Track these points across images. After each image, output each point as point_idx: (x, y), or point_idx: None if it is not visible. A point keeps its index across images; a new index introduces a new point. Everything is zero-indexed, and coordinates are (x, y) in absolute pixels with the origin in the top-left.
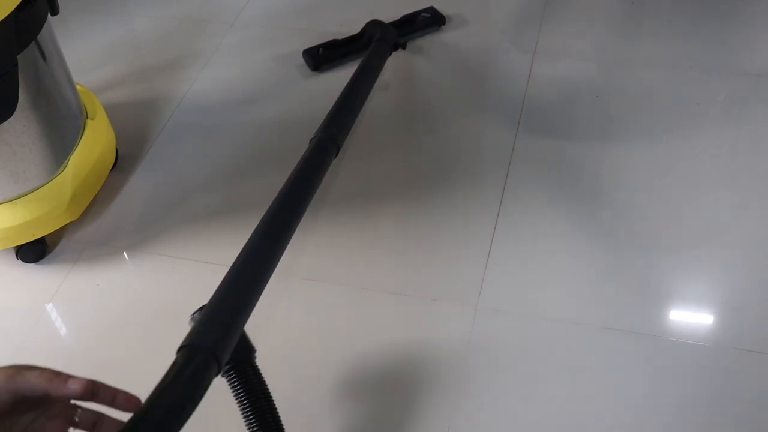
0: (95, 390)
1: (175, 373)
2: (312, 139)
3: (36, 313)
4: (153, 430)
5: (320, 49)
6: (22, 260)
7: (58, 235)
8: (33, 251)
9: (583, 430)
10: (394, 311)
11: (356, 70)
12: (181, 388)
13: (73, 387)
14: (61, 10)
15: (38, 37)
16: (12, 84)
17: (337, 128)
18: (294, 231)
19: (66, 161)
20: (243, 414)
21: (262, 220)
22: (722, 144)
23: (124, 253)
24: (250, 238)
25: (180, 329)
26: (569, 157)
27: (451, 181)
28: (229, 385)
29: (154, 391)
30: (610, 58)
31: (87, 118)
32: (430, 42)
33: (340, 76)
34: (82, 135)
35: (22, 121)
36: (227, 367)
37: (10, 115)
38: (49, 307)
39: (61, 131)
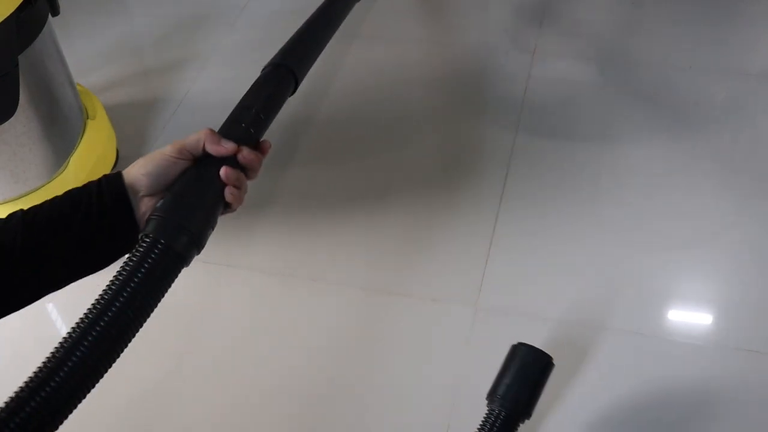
0: (239, 150)
1: (264, 82)
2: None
3: (36, 313)
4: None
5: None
6: None
7: None
8: None
9: (583, 430)
10: (394, 311)
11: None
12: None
13: (227, 146)
14: (61, 11)
15: (39, 37)
16: (13, 84)
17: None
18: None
19: (67, 161)
20: None
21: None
22: (722, 144)
23: None
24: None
25: (179, 329)
26: (569, 157)
27: (451, 181)
28: None
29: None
30: (610, 58)
31: (87, 118)
32: (430, 42)
33: (340, 77)
34: (82, 135)
35: (23, 122)
36: None
37: (11, 115)
38: (49, 307)
39: (61, 131)
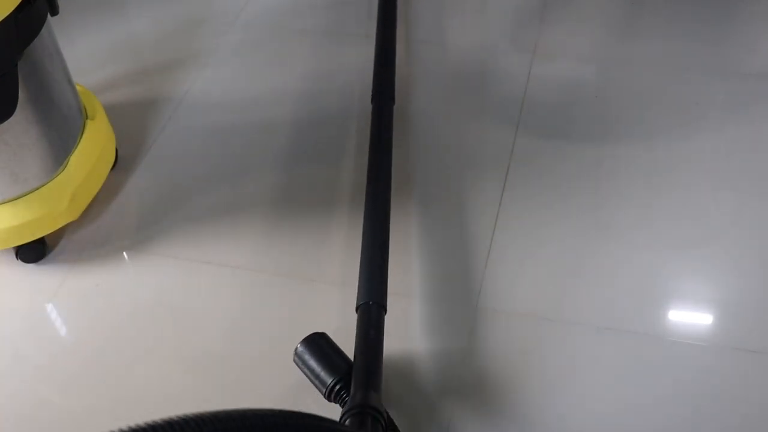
0: None
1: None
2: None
3: (36, 313)
4: None
5: None
6: (22, 260)
7: (57, 235)
8: (33, 251)
9: (583, 430)
10: (394, 311)
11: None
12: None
13: None
14: (60, 11)
15: (38, 37)
16: (12, 84)
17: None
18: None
19: (66, 161)
20: None
21: (366, 193)
22: (722, 144)
23: (124, 253)
24: (365, 213)
25: (179, 329)
26: (569, 157)
27: (451, 181)
28: None
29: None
30: (610, 58)
31: (87, 118)
32: (429, 42)
33: (341, 79)
34: (81, 135)
35: (22, 122)
36: None
37: (11, 115)
38: (49, 307)
39: (60, 131)
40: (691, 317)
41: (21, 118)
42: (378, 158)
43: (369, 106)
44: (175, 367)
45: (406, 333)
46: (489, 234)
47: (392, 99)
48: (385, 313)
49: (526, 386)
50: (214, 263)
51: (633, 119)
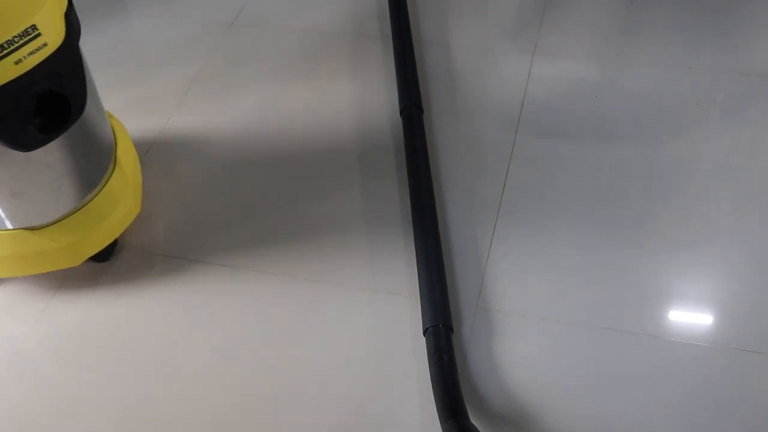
0: None
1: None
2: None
3: (38, 312)
4: None
5: None
6: (94, 261)
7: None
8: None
9: (582, 430)
10: (394, 311)
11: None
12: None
13: None
14: None
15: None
16: (82, 75)
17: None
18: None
19: (106, 179)
20: None
21: (413, 214)
22: (722, 144)
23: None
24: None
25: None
26: (569, 157)
27: (450, 181)
28: None
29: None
30: (610, 58)
31: (116, 140)
32: (429, 42)
33: (341, 83)
34: (115, 150)
35: (61, 143)
36: None
37: (83, 109)
38: (49, 307)
39: (98, 148)
40: (691, 317)
41: (62, 139)
42: (419, 174)
43: (372, 109)
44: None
45: (407, 333)
46: (489, 234)
47: (420, 108)
48: (452, 333)
49: (526, 386)
50: (227, 265)
51: (633, 119)
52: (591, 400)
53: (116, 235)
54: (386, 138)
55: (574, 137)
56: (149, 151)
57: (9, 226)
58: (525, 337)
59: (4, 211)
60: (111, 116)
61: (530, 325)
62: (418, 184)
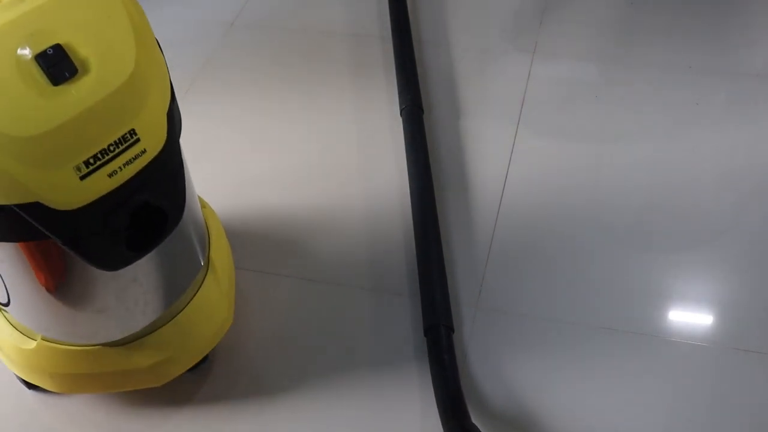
0: None
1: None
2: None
3: None
4: None
5: None
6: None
7: None
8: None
9: (582, 430)
10: (394, 311)
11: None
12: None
13: None
14: None
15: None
16: (181, 184)
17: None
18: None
19: (197, 286)
20: None
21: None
22: (722, 144)
23: None
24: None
25: None
26: (568, 156)
27: (451, 180)
28: None
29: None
30: (610, 58)
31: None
32: (429, 42)
33: (339, 86)
34: (208, 251)
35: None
36: None
37: (178, 223)
38: None
39: (190, 253)
40: (691, 317)
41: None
42: (419, 174)
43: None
44: None
45: (407, 333)
46: (489, 234)
47: (421, 108)
48: (453, 333)
49: (526, 386)
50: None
51: (633, 119)
52: (591, 399)
53: (206, 352)
54: (386, 138)
55: (574, 137)
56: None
57: (88, 341)
58: (525, 336)
59: (83, 326)
60: (204, 205)
61: (530, 325)
62: (418, 183)
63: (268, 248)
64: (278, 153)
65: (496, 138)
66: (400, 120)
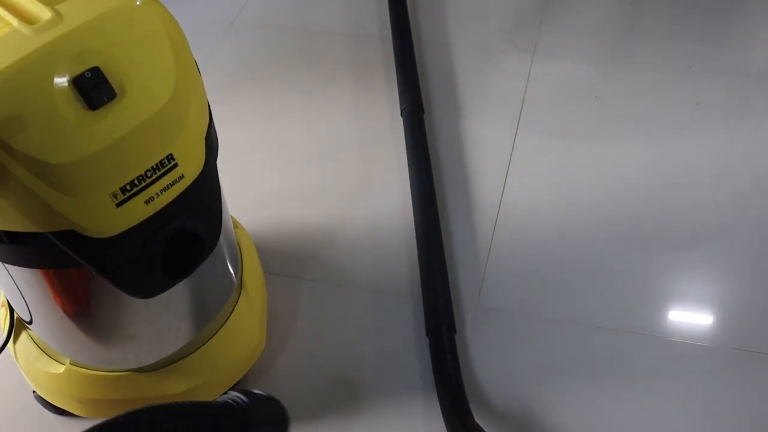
0: None
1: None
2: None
3: None
4: None
5: None
6: None
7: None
8: None
9: (582, 430)
10: (397, 312)
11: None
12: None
13: None
14: None
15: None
16: (218, 208)
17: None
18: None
19: (229, 310)
20: None
21: (415, 221)
22: (722, 144)
23: None
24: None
25: None
26: (568, 156)
27: (451, 180)
28: None
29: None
30: (610, 58)
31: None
32: (429, 42)
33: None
34: (241, 272)
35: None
36: None
37: (214, 248)
38: None
39: (224, 276)
40: (691, 317)
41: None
42: (420, 174)
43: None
44: None
45: (409, 333)
46: (490, 234)
47: (421, 108)
48: (455, 333)
49: (528, 385)
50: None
51: (633, 119)
52: (592, 399)
53: (240, 377)
54: (387, 138)
55: (574, 137)
56: None
57: (119, 367)
58: (526, 336)
59: (113, 352)
60: (236, 225)
61: (531, 325)
62: (419, 184)
63: (267, 249)
64: (278, 154)
65: (496, 138)
66: (400, 120)
